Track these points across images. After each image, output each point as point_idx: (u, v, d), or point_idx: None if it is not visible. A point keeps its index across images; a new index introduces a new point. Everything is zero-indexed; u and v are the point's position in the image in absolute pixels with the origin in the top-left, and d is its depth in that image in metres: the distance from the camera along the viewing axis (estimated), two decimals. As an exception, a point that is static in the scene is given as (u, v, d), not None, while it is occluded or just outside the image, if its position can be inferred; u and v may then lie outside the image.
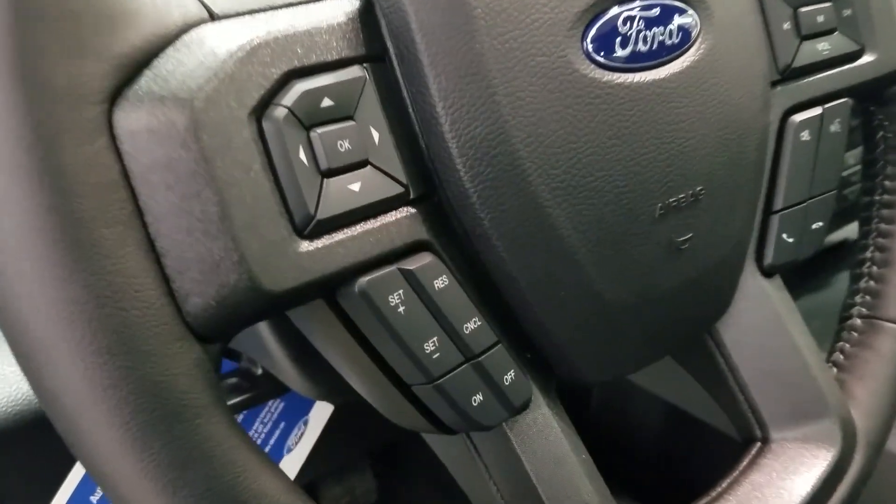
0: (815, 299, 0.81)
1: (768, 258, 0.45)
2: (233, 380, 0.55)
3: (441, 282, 0.32)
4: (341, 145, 0.29)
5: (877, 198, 0.53)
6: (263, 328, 0.44)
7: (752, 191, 0.41)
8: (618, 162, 0.34)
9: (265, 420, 0.64)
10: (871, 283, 0.52)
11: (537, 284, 0.34)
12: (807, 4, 0.44)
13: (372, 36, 0.31)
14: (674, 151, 0.36)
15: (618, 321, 0.37)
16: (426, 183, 0.32)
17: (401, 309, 0.31)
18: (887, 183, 0.53)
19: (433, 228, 0.33)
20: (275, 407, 0.64)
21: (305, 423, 0.66)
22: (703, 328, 0.44)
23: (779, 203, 0.44)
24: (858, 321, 0.52)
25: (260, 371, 0.55)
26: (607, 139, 0.34)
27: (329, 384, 0.45)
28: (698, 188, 0.37)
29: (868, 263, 0.52)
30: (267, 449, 0.64)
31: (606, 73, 0.34)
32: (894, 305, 0.51)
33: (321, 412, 0.66)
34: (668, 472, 0.86)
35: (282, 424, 0.65)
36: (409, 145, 0.32)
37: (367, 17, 0.31)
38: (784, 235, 0.45)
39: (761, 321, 0.45)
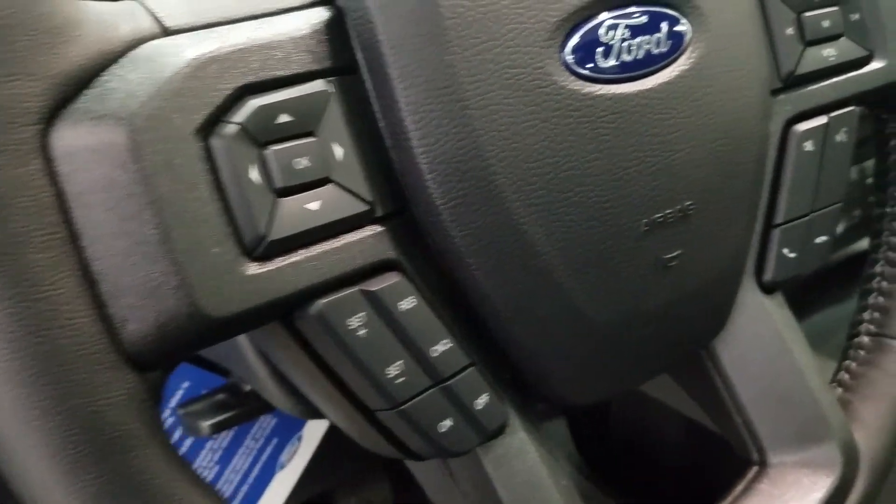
0: (830, 316, 0.79)
1: (768, 274, 0.43)
2: (221, 396, 0.55)
3: (408, 303, 0.31)
4: (298, 162, 0.28)
5: (888, 210, 0.50)
6: (245, 346, 0.43)
7: (748, 205, 0.39)
8: (598, 177, 0.33)
9: (256, 436, 0.63)
10: (881, 298, 0.50)
11: (514, 304, 0.33)
12: (811, 9, 0.42)
13: (341, 48, 0.30)
14: (659, 165, 0.34)
15: (603, 341, 0.36)
16: (395, 200, 0.31)
17: (361, 332, 0.30)
18: None
19: (402, 247, 0.31)
20: (266, 423, 0.64)
21: (299, 439, 0.65)
22: (697, 346, 0.43)
23: (780, 216, 0.43)
24: (866, 339, 0.50)
25: (249, 387, 0.54)
26: (587, 153, 0.32)
27: (312, 404, 0.44)
28: (687, 203, 0.36)
29: (878, 279, 0.50)
30: (258, 465, 0.64)
31: (587, 84, 0.32)
32: None
33: (316, 428, 0.65)
34: (686, 486, 0.85)
35: (274, 440, 0.64)
36: (376, 161, 0.31)
37: (336, 29, 0.30)
38: (785, 250, 0.43)
39: (761, 339, 0.43)
